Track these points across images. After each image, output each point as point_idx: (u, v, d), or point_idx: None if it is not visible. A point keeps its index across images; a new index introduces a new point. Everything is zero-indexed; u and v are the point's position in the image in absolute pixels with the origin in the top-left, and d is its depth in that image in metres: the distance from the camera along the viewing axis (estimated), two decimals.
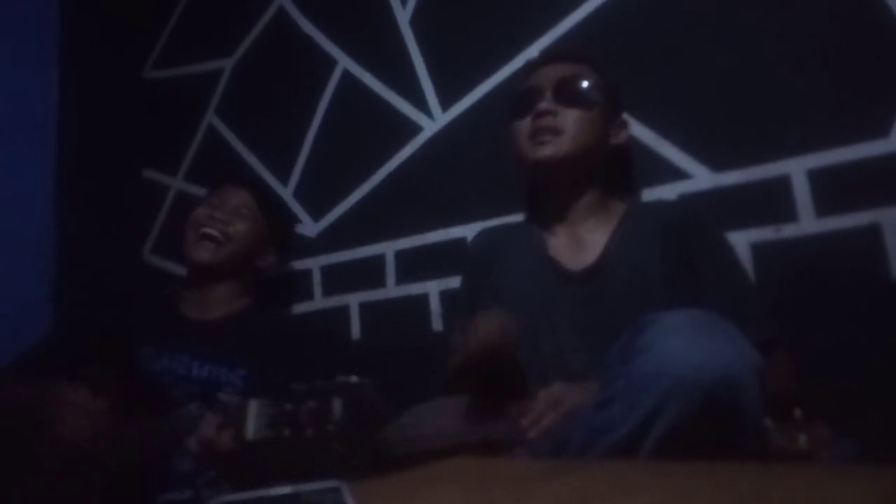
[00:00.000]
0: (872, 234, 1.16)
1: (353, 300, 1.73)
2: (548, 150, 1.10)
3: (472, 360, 0.94)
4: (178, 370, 1.29)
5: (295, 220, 1.81)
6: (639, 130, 1.36)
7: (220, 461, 0.98)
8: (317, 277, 1.81)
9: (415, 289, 1.64)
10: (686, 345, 0.71)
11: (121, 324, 1.40)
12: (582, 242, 1.12)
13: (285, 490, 0.47)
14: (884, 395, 1.07)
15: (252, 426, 0.86)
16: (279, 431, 0.81)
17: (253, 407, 0.87)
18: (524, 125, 1.13)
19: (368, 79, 1.79)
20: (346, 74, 1.84)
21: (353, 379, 0.76)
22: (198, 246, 1.40)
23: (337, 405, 0.75)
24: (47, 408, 1.03)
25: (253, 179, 1.77)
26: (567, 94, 1.12)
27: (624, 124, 1.19)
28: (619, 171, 1.20)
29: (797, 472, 0.63)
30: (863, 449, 0.82)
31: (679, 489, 0.54)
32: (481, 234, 1.30)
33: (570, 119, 1.11)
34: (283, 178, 1.90)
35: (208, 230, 1.40)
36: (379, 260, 1.71)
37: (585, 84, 1.13)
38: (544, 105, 1.11)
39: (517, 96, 1.18)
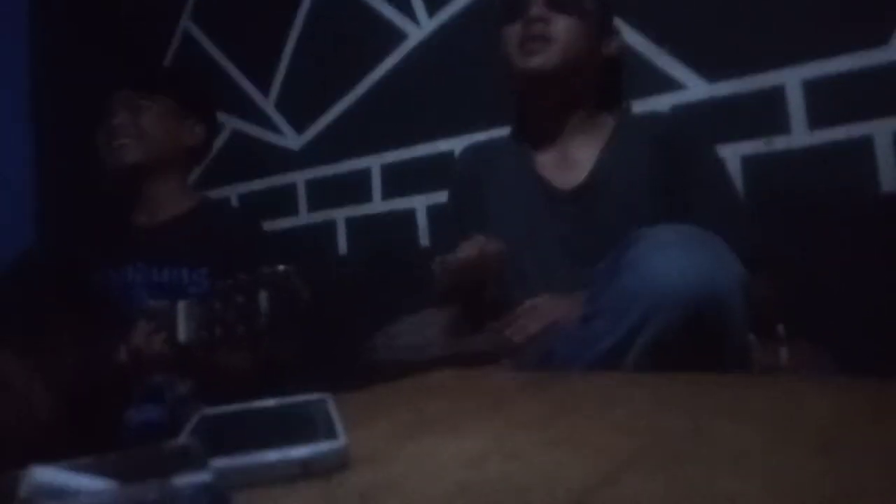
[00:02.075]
0: (864, 146, 1.14)
1: (340, 215, 1.72)
2: (538, 60, 1.06)
3: (455, 283, 0.94)
4: (136, 279, 1.23)
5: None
6: (632, 38, 1.31)
7: (152, 368, 0.95)
8: (301, 192, 1.78)
9: (401, 203, 1.62)
10: (672, 260, 0.71)
11: (73, 248, 1.33)
12: (571, 160, 1.10)
13: (269, 403, 0.47)
14: (867, 307, 1.09)
15: (183, 328, 0.85)
16: (211, 332, 0.80)
17: (182, 309, 0.86)
18: (514, 31, 1.08)
19: None
20: None
21: (279, 268, 0.76)
22: (117, 157, 1.28)
23: (263, 298, 0.74)
24: None
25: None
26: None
27: (616, 33, 1.14)
28: (610, 83, 1.16)
29: (776, 382, 0.64)
30: (841, 362, 0.84)
31: (659, 399, 0.54)
32: (468, 150, 1.27)
33: (562, 27, 1.06)
34: (264, 89, 1.84)
35: (118, 141, 1.28)
36: (365, 174, 1.68)
37: None
38: (535, 11, 1.06)
39: None
